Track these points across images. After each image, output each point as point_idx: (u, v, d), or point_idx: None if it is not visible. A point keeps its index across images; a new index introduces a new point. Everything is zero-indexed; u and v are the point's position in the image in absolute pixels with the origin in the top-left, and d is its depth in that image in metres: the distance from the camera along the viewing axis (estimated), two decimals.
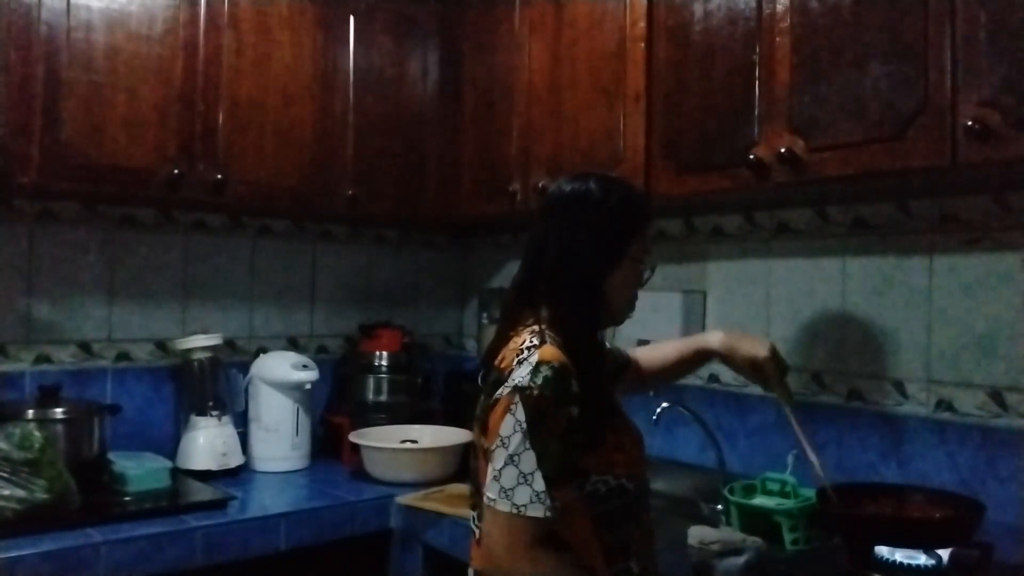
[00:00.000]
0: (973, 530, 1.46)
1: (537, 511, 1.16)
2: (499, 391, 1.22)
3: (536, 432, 1.17)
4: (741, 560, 1.58)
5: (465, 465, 2.30)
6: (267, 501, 2.03)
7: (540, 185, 2.18)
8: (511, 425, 1.18)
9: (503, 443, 1.18)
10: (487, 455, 1.23)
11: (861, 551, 1.50)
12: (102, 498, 1.88)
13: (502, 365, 1.26)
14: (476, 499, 1.30)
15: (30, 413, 1.90)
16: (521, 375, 1.19)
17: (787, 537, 1.69)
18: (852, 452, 1.87)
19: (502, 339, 1.33)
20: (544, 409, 1.17)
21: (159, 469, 2.04)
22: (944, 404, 1.73)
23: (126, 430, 2.21)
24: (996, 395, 1.66)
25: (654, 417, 2.01)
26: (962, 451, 1.69)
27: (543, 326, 1.28)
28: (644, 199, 1.41)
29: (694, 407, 2.11)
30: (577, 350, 1.25)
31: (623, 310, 1.38)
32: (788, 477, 1.80)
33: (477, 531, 1.29)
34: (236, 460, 2.25)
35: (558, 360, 1.21)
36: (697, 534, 1.73)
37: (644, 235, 1.36)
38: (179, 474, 2.13)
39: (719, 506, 1.91)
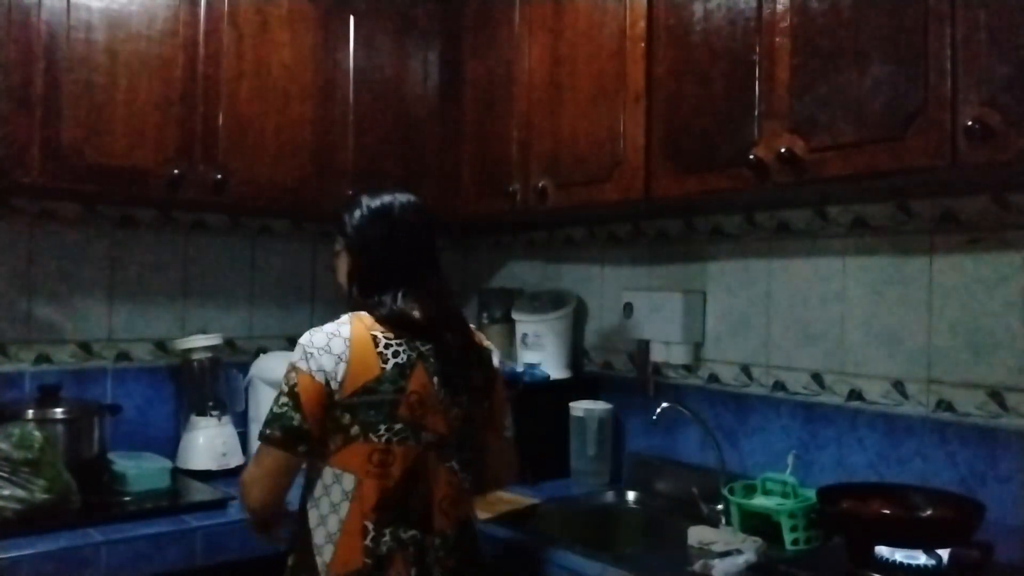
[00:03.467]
0: (973, 530, 1.47)
1: None
2: (495, 363, 1.67)
3: None
4: (741, 560, 1.59)
5: None
6: None
7: (540, 185, 2.18)
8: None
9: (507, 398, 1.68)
10: (493, 407, 1.63)
11: (861, 551, 1.50)
12: (102, 498, 1.88)
13: (485, 344, 1.66)
14: (465, 453, 1.56)
15: (30, 413, 1.90)
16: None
17: (787, 537, 1.70)
18: (852, 452, 1.87)
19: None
20: None
21: (159, 469, 2.04)
22: (944, 404, 1.73)
23: (126, 430, 2.21)
24: (996, 395, 1.66)
25: (654, 417, 2.02)
26: (962, 451, 1.69)
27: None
28: None
29: (694, 407, 2.11)
30: None
31: None
32: (788, 477, 1.81)
33: (468, 476, 1.56)
34: (236, 460, 2.25)
35: None
36: (697, 534, 1.74)
37: None
38: (179, 474, 2.13)
39: (719, 506, 1.91)
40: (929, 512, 1.56)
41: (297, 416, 1.41)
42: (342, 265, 1.64)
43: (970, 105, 1.36)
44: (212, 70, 2.11)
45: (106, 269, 2.31)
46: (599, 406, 2.32)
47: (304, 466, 1.50)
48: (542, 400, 2.35)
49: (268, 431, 1.43)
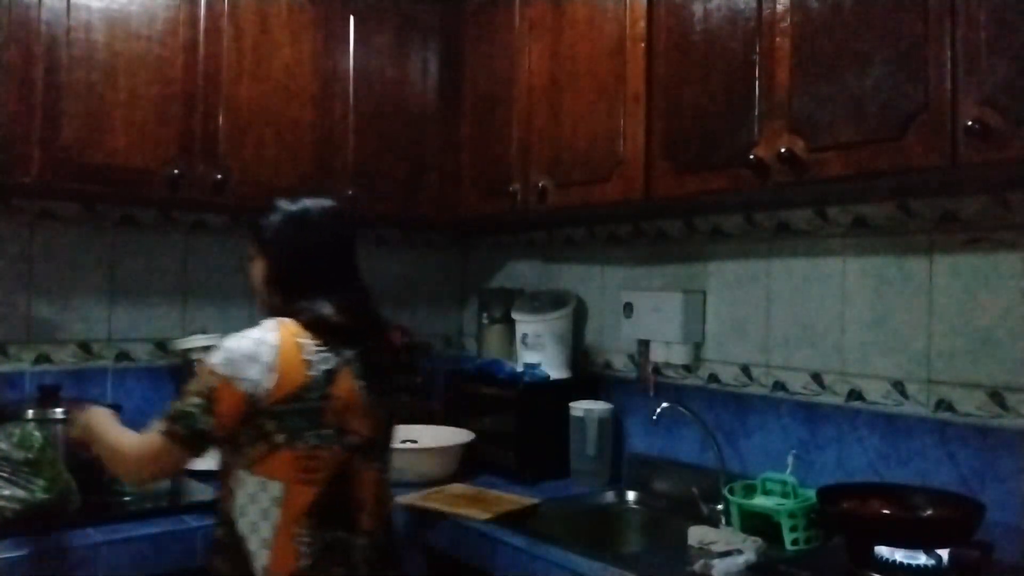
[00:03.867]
0: (973, 530, 1.47)
1: None
2: None
3: None
4: (741, 560, 1.59)
5: (465, 465, 2.31)
6: None
7: (540, 185, 2.18)
8: None
9: None
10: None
11: (861, 551, 1.50)
12: (102, 498, 1.88)
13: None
14: (389, 452, 1.63)
15: (30, 413, 1.89)
16: None
17: (787, 537, 1.70)
18: (852, 452, 1.86)
19: None
20: None
21: None
22: (944, 404, 1.73)
23: None
24: (996, 395, 1.65)
25: (654, 417, 2.02)
26: (962, 451, 1.69)
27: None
28: None
29: (694, 407, 2.11)
30: None
31: None
32: (788, 477, 1.81)
33: (388, 477, 1.62)
34: None
35: None
36: (697, 534, 1.74)
37: None
38: (179, 474, 2.13)
39: (719, 506, 1.91)
40: (929, 512, 1.56)
41: (208, 420, 1.40)
42: (257, 270, 1.61)
43: (970, 105, 1.36)
44: (212, 70, 2.11)
45: (106, 269, 2.31)
46: (599, 406, 2.32)
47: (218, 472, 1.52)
48: (542, 400, 2.35)
49: (172, 427, 1.42)
